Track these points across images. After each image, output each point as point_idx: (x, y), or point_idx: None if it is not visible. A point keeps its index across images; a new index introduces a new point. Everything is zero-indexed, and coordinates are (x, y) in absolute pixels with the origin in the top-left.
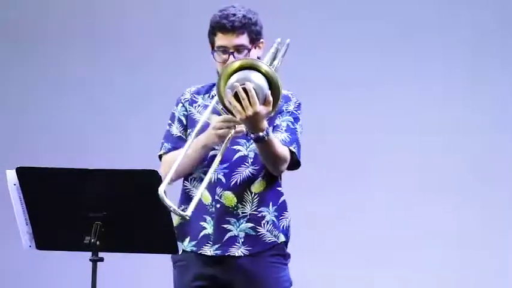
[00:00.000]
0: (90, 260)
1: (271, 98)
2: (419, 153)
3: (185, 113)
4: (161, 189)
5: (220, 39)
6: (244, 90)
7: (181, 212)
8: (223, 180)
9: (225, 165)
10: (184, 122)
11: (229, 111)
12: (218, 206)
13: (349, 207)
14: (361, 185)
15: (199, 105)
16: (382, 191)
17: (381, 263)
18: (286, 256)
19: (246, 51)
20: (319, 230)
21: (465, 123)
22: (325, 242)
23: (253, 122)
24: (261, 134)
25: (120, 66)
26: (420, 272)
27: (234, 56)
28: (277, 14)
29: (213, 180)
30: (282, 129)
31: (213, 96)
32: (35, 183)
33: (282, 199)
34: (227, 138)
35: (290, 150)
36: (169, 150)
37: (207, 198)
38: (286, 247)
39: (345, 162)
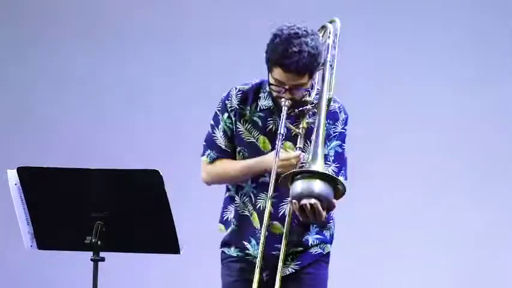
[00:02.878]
0: (92, 259)
1: (334, 206)
2: (425, 153)
3: (231, 126)
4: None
5: (280, 75)
6: (311, 206)
7: None
8: (272, 210)
9: (273, 194)
10: (229, 134)
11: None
12: (267, 233)
13: (349, 208)
14: (362, 185)
15: (247, 122)
16: (385, 191)
17: (384, 264)
18: (328, 255)
19: (303, 90)
20: None
21: (472, 123)
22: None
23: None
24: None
25: (120, 66)
26: (424, 273)
27: (291, 92)
28: (282, 11)
29: (262, 207)
30: (330, 160)
31: (261, 109)
32: (36, 183)
33: (329, 215)
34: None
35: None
36: (213, 160)
37: (257, 222)
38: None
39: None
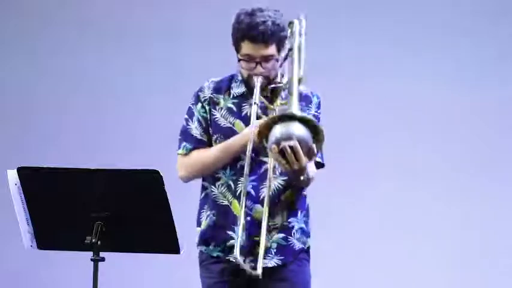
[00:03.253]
0: (92, 259)
1: (315, 151)
2: (423, 153)
3: (205, 115)
4: (238, 254)
5: (248, 49)
6: (290, 147)
7: (254, 272)
8: (253, 193)
9: (253, 178)
10: (204, 124)
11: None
12: (249, 218)
13: (349, 208)
14: (362, 185)
15: (222, 108)
16: (385, 191)
17: (382, 263)
18: (309, 252)
19: (273, 61)
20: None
21: (471, 121)
22: (328, 241)
23: (297, 173)
24: (302, 178)
25: (121, 66)
26: (421, 272)
27: (261, 65)
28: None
29: (242, 192)
30: None
31: (234, 97)
32: (36, 183)
33: (307, 204)
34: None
35: (315, 161)
36: (189, 150)
37: (238, 209)
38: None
39: (346, 162)
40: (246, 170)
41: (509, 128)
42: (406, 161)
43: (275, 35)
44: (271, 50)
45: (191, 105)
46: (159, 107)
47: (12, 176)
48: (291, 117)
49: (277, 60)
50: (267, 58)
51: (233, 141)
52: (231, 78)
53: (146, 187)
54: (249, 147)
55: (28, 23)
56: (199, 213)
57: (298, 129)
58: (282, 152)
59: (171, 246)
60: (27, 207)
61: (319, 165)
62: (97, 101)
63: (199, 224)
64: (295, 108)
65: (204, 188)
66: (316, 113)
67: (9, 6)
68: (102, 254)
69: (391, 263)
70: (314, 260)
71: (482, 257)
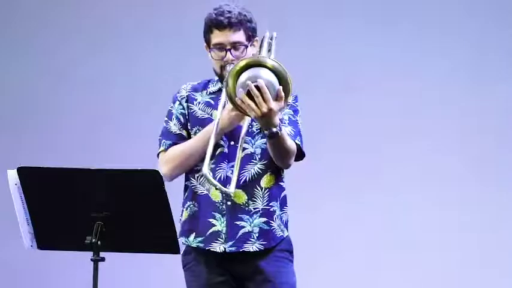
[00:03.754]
0: (92, 259)
1: (283, 93)
2: (424, 155)
3: (183, 111)
4: (205, 169)
5: (217, 37)
6: (257, 87)
7: (226, 189)
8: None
9: (232, 163)
10: (183, 120)
11: (240, 110)
12: (229, 203)
13: (350, 208)
14: (362, 186)
15: (199, 102)
16: (384, 192)
17: (383, 265)
18: (292, 252)
19: (242, 48)
20: (320, 231)
21: (469, 124)
22: (328, 243)
23: (267, 118)
24: (274, 129)
25: (121, 66)
26: (421, 274)
27: (231, 53)
28: (274, 11)
29: (222, 178)
30: (285, 123)
31: (211, 93)
32: (36, 183)
33: (283, 194)
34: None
35: (295, 143)
36: (169, 146)
37: (217, 196)
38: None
39: (346, 162)
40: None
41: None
42: (406, 164)
43: (241, 22)
44: (239, 36)
45: (170, 108)
46: (159, 107)
47: (12, 176)
48: (257, 65)
49: (245, 47)
50: (235, 45)
51: (208, 128)
52: (208, 81)
53: (146, 187)
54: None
55: (27, 23)
56: (182, 212)
57: (264, 73)
58: (249, 95)
59: (171, 246)
60: (27, 207)
61: (300, 154)
62: (97, 101)
63: (181, 216)
64: (260, 55)
65: (185, 180)
66: (293, 104)
67: (9, 6)
68: (102, 254)
69: (390, 268)
70: (313, 262)
71: (481, 261)
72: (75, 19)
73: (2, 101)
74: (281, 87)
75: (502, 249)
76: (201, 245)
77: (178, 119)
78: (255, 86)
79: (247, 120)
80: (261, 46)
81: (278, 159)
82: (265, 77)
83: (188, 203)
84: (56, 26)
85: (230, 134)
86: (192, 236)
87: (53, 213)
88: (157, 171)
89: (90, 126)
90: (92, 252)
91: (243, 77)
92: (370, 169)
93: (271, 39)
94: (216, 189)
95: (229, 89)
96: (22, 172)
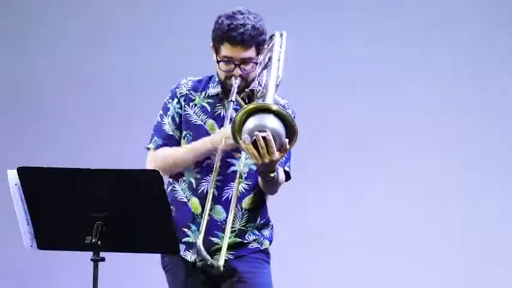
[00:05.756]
0: (92, 259)
1: (288, 146)
2: (424, 154)
3: (180, 111)
4: (200, 243)
5: (228, 50)
6: (264, 139)
7: (215, 263)
8: (216, 193)
9: (218, 178)
10: (178, 120)
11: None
12: (208, 218)
13: (351, 208)
14: (364, 185)
15: (196, 105)
16: (384, 191)
17: (384, 265)
18: (268, 254)
19: (252, 64)
20: (321, 231)
21: (472, 120)
22: (328, 241)
23: (267, 167)
24: (271, 175)
25: (121, 66)
26: (422, 273)
27: (240, 68)
28: (280, 10)
29: (205, 191)
30: None
31: (209, 96)
32: (36, 183)
33: (267, 213)
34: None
35: (284, 170)
36: (159, 146)
37: (197, 208)
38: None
39: (347, 160)
40: (214, 174)
41: None
42: (408, 161)
43: (254, 39)
44: (250, 53)
45: (167, 101)
46: (159, 107)
47: (12, 176)
48: (266, 110)
49: (255, 63)
50: (245, 61)
51: (202, 145)
52: (209, 79)
53: (146, 187)
54: (218, 157)
55: (27, 23)
56: None
57: (273, 122)
58: (254, 144)
59: (171, 246)
60: (27, 207)
61: (287, 177)
62: (97, 101)
63: None
64: (270, 101)
65: (168, 184)
66: None
67: (9, 6)
68: (102, 254)
69: (391, 266)
70: (313, 260)
71: (483, 259)
72: (76, 19)
73: (2, 101)
74: (287, 140)
75: (505, 248)
76: None
77: (173, 118)
78: (262, 137)
79: (219, 154)
80: (264, 66)
81: (267, 191)
82: (272, 125)
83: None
84: (55, 25)
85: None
86: None
87: (53, 213)
88: (157, 171)
89: (90, 126)
90: (92, 252)
91: (251, 123)
92: (372, 167)
93: (279, 38)
94: (207, 264)
95: (235, 129)
96: (22, 172)
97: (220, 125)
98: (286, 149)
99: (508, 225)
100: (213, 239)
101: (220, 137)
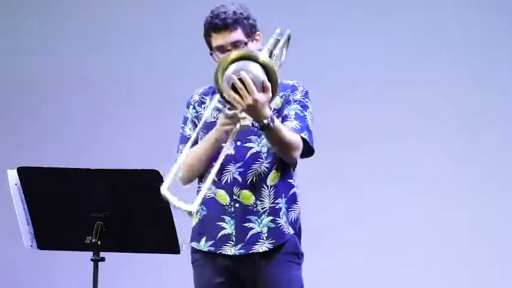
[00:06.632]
0: (92, 259)
1: (268, 84)
2: (426, 154)
3: (196, 114)
4: (164, 187)
5: (216, 39)
6: (240, 80)
7: (186, 207)
8: (240, 179)
9: (239, 164)
10: (197, 123)
11: (231, 105)
12: (237, 205)
13: (354, 208)
14: (365, 186)
15: (207, 106)
16: (386, 192)
17: (385, 265)
18: (300, 255)
19: (243, 46)
20: (321, 231)
21: (473, 124)
22: (333, 242)
23: (255, 110)
24: (265, 121)
25: (121, 66)
26: (424, 273)
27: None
28: (282, 9)
29: (229, 180)
30: (291, 118)
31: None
32: (36, 183)
33: (292, 191)
34: (232, 132)
35: (302, 138)
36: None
37: (225, 199)
38: (300, 243)
39: (349, 160)
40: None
41: None
42: (412, 163)
43: (237, 21)
44: (237, 35)
45: (184, 114)
46: (159, 107)
47: (12, 176)
48: (248, 58)
49: (246, 44)
50: (235, 44)
51: (209, 134)
52: None
53: (146, 187)
54: (232, 135)
55: (27, 23)
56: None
57: (252, 67)
58: (233, 89)
59: (171, 246)
60: (27, 207)
61: (309, 151)
62: (97, 101)
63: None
64: (254, 53)
65: (197, 191)
66: (301, 99)
67: (9, 6)
68: (102, 254)
69: (393, 266)
70: (316, 260)
71: (491, 261)
72: (75, 19)
73: (2, 101)
74: (265, 78)
75: (509, 248)
76: (212, 248)
77: (193, 122)
78: (238, 79)
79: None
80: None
81: (279, 152)
82: (250, 69)
83: (201, 208)
84: (55, 25)
85: (236, 134)
86: (203, 240)
87: (53, 213)
88: (157, 171)
89: (90, 126)
90: (92, 252)
91: (229, 70)
92: (373, 167)
93: (284, 36)
94: (175, 208)
95: (219, 85)
96: (22, 172)
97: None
98: (267, 87)
99: (509, 225)
100: (246, 224)
101: (222, 117)
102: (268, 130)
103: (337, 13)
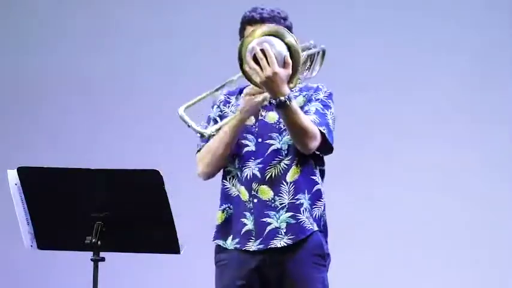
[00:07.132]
0: (92, 259)
1: (290, 60)
2: (429, 155)
3: (220, 113)
4: (181, 109)
5: (248, 31)
6: (262, 52)
7: (201, 130)
8: (259, 175)
9: (259, 160)
10: (219, 120)
11: (250, 81)
12: (256, 200)
13: (356, 208)
14: (371, 186)
15: (232, 105)
16: (392, 192)
17: (388, 264)
18: (326, 257)
19: None
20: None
21: (481, 121)
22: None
23: (273, 85)
24: (282, 98)
25: (121, 66)
26: (427, 272)
27: None
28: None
29: (248, 176)
30: (310, 113)
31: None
32: (36, 183)
33: (316, 188)
34: (257, 103)
35: (320, 131)
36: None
37: (245, 195)
38: (326, 242)
39: (354, 162)
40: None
41: None
42: (417, 162)
43: (274, 18)
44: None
45: (209, 114)
46: (159, 107)
47: (12, 176)
48: (271, 35)
49: None
50: None
51: (230, 118)
52: (243, 88)
53: (146, 187)
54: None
55: (27, 23)
56: (218, 209)
57: (272, 40)
58: (254, 59)
59: (171, 246)
60: (27, 207)
61: (328, 148)
62: (97, 101)
63: (217, 219)
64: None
65: (221, 182)
66: (324, 99)
67: (9, 6)
68: (102, 254)
69: (400, 266)
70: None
71: (491, 259)
72: (75, 19)
73: (2, 101)
74: (288, 55)
75: (509, 248)
76: (238, 246)
77: (215, 121)
78: (260, 50)
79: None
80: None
81: (294, 138)
82: (275, 44)
83: (224, 205)
84: (55, 25)
85: (257, 132)
86: (230, 238)
87: (53, 213)
88: (157, 171)
89: (90, 126)
90: (92, 252)
91: (253, 42)
92: (373, 167)
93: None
94: (189, 126)
95: (242, 55)
96: (22, 172)
97: (256, 117)
98: (288, 62)
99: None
100: (265, 219)
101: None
102: (284, 108)
103: (337, 13)
